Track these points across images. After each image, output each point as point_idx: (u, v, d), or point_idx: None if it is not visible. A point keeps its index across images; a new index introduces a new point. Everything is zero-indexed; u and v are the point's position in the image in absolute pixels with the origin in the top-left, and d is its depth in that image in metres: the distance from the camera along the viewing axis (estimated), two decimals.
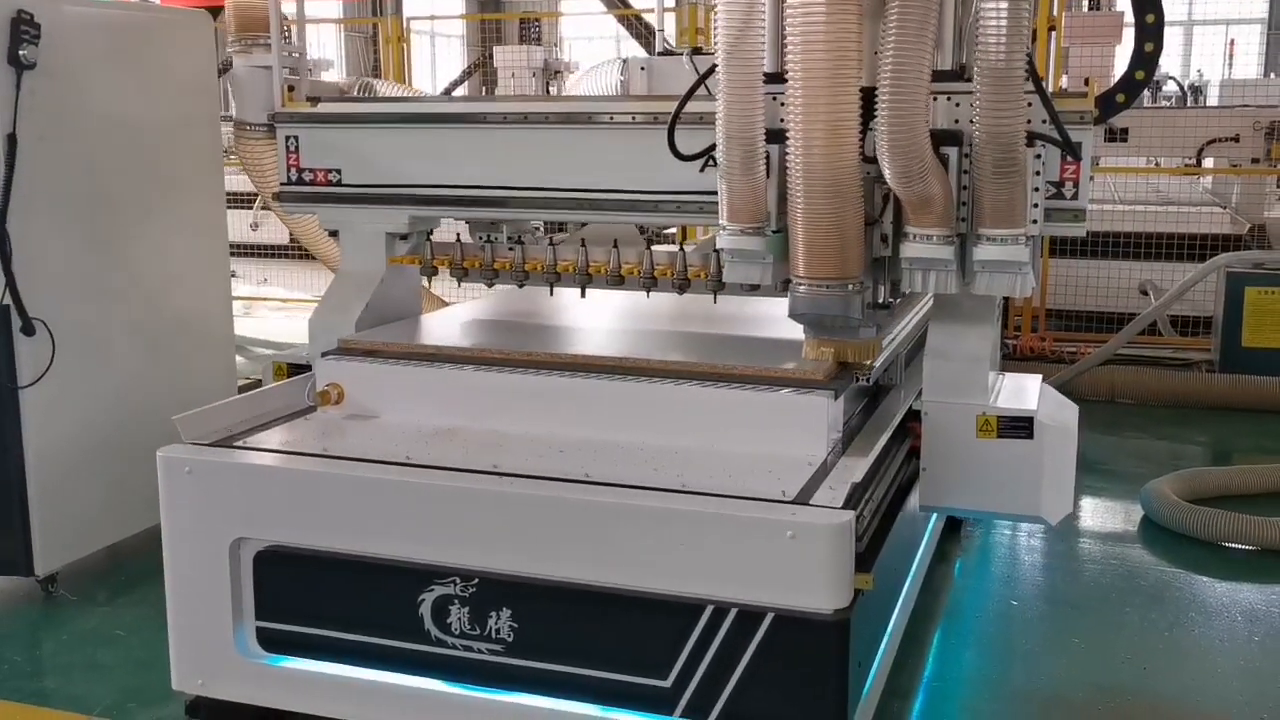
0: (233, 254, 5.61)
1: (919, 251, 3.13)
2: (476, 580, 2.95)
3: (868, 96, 2.96)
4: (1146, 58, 3.56)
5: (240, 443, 3.33)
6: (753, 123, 3.08)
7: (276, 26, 4.16)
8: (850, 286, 3.09)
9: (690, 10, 9.49)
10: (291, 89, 4.17)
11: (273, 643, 3.20)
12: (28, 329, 4.14)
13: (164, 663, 3.30)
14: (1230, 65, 21.55)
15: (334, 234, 4.59)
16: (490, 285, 4.15)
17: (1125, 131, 8.73)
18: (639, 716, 2.88)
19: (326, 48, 19.33)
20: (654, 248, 3.95)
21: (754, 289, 3.41)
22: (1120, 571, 4.72)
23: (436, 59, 24.08)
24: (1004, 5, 2.85)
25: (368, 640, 3.09)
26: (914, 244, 3.13)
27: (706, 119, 3.22)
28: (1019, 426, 3.36)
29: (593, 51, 21.75)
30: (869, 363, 3.37)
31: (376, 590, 3.07)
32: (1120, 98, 3.60)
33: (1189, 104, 14.74)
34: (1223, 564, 4.78)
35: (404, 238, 4.10)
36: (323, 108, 4.13)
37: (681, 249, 3.86)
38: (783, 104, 3.03)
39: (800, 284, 3.11)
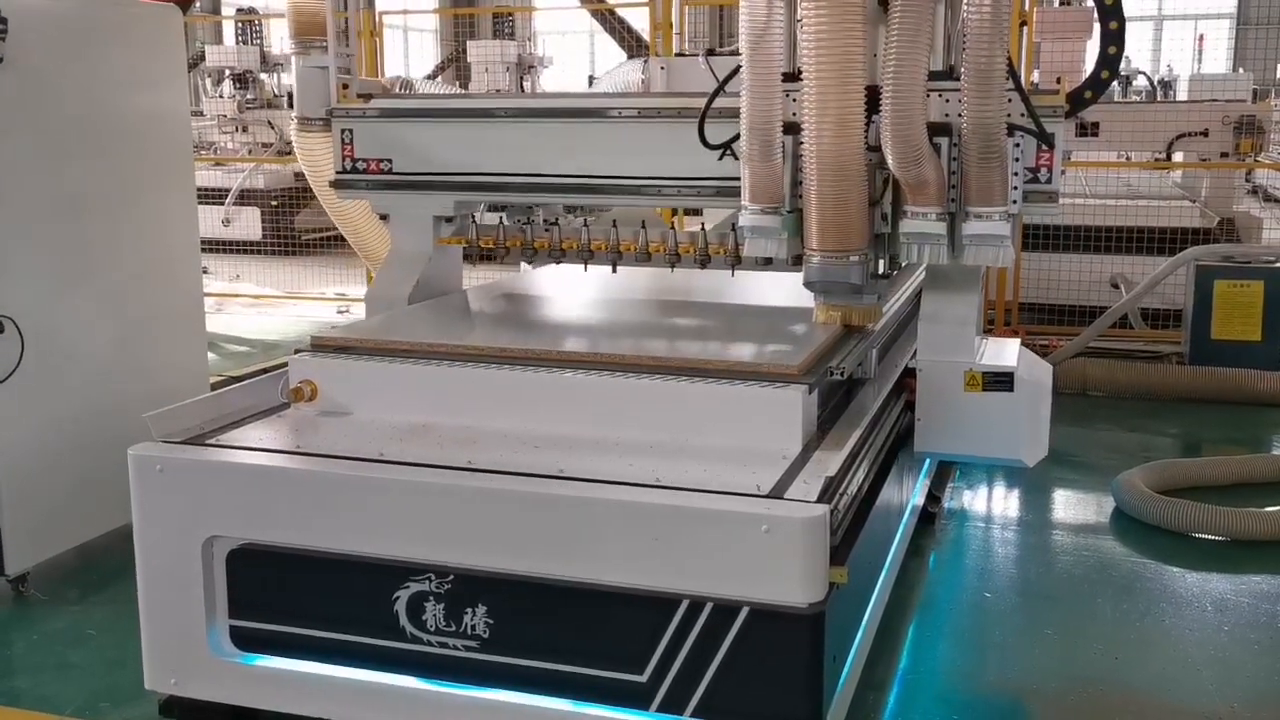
0: (204, 250, 5.59)
1: (916, 227, 3.60)
2: (451, 577, 2.94)
3: (872, 93, 3.43)
4: (1111, 59, 4.08)
5: (212, 440, 3.30)
6: (771, 117, 3.55)
7: (333, 30, 4.60)
8: (855, 258, 3.54)
9: (665, 6, 9.49)
10: (345, 86, 4.57)
11: (246, 641, 3.18)
12: None
13: (136, 662, 3.28)
14: (1199, 60, 21.74)
15: (384, 217, 5.07)
16: (530, 263, 4.61)
17: (1096, 126, 8.80)
18: (615, 711, 2.88)
19: None
20: (676, 228, 4.44)
21: (768, 263, 3.82)
22: (1092, 563, 4.76)
23: (409, 54, 23.97)
24: (987, 15, 3.32)
25: (343, 638, 3.07)
26: (911, 220, 3.60)
27: (725, 113, 3.73)
28: (1001, 381, 3.84)
29: (566, 46, 21.71)
30: (871, 325, 3.88)
31: (351, 587, 3.05)
32: (1088, 94, 4.09)
33: (1159, 99, 14.86)
34: (1193, 554, 4.83)
35: (449, 220, 4.50)
36: (375, 103, 4.51)
37: (702, 229, 4.28)
38: (794, 100, 3.54)
39: (813, 256, 3.56)
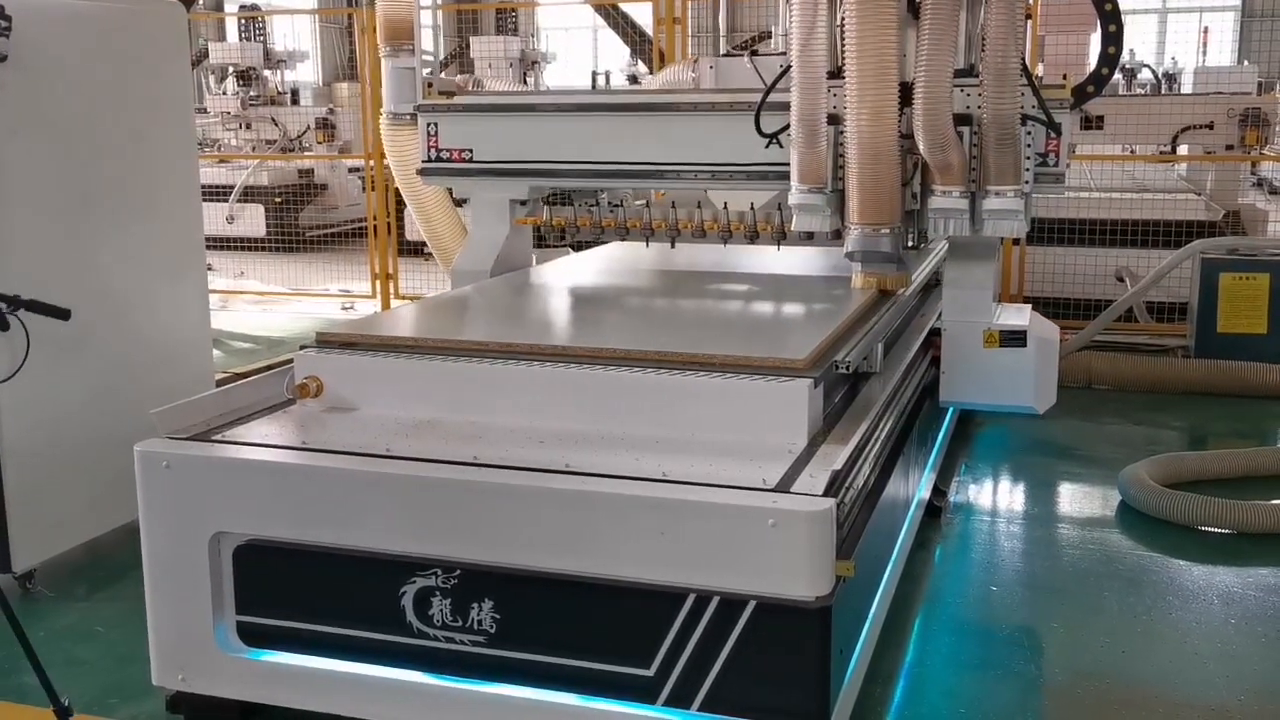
0: (208, 247, 5.60)
1: (942, 204, 4.14)
2: (458, 571, 2.95)
3: (904, 89, 3.98)
4: (1111, 58, 4.59)
5: (219, 436, 3.30)
6: (817, 109, 4.10)
7: (419, 35, 5.15)
8: (888, 231, 4.10)
9: (668, 1, 9.47)
10: (430, 85, 5.15)
11: (253, 637, 3.18)
12: (1, 324, 4.10)
13: (144, 658, 3.29)
14: (1204, 53, 21.67)
15: (459, 203, 5.76)
16: (598, 242, 5.41)
17: (1101, 119, 8.78)
18: (622, 706, 2.88)
19: (301, 39, 19.19)
20: (729, 207, 4.90)
21: (810, 237, 4.46)
22: (1098, 556, 4.75)
23: None
24: (1003, 20, 3.86)
25: (349, 633, 3.08)
26: (938, 198, 4.15)
27: (773, 106, 4.28)
28: (1015, 338, 4.41)
29: (569, 42, 21.68)
30: (904, 290, 4.42)
31: (358, 583, 3.06)
32: (1090, 89, 4.58)
33: (1164, 91, 14.82)
34: (1199, 548, 4.82)
35: (523, 203, 5.06)
36: (459, 100, 5.09)
37: (751, 208, 4.83)
38: (836, 95, 4.12)
39: (853, 229, 4.13)
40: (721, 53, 7.12)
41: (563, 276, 5.11)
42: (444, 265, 6.55)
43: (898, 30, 3.83)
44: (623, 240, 5.16)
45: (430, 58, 5.13)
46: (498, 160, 4.95)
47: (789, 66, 4.15)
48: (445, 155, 4.98)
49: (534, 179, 4.96)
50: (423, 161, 5.05)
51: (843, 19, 3.92)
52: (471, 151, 4.95)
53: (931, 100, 3.91)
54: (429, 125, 5.00)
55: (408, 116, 5.24)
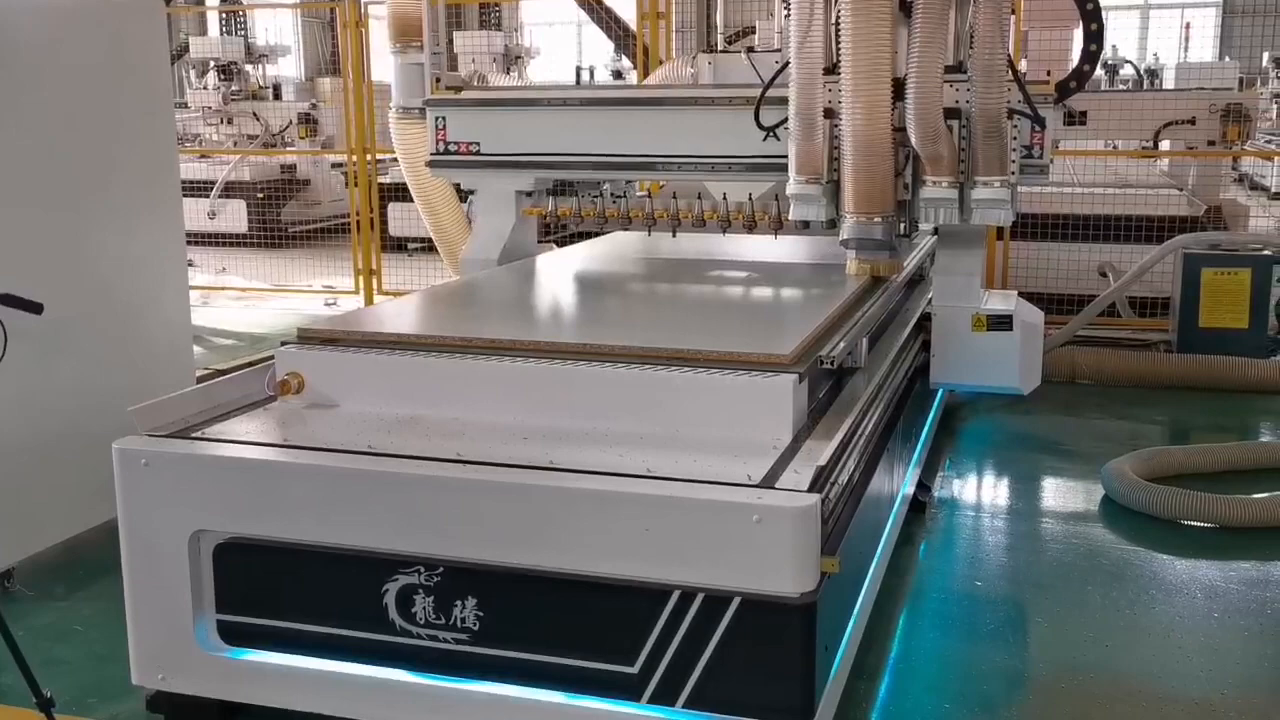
0: (190, 243, 5.57)
1: (933, 194, 4.36)
2: (441, 569, 2.93)
3: (898, 84, 4.18)
4: (1092, 55, 4.77)
5: (198, 434, 3.27)
6: (814, 104, 4.32)
7: (429, 32, 5.29)
8: (881, 219, 4.29)
9: None
10: (438, 80, 5.30)
11: (234, 635, 3.16)
12: None
13: (124, 657, 3.26)
14: (1186, 49, 21.76)
15: (463, 198, 5.95)
16: (601, 231, 5.67)
17: (1084, 115, 8.80)
18: (606, 703, 2.87)
19: (283, 33, 19.08)
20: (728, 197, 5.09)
21: (806, 226, 4.58)
22: (1082, 551, 4.76)
23: None
24: (991, 20, 4.08)
25: (331, 631, 3.06)
26: (929, 188, 4.37)
27: (771, 101, 4.53)
28: (1002, 322, 4.63)
29: (553, 37, 21.64)
30: (895, 277, 4.65)
31: (339, 581, 3.03)
32: (1072, 85, 4.76)
33: (1146, 87, 14.86)
34: (1182, 542, 4.83)
35: (529, 194, 5.25)
36: (466, 94, 5.30)
37: (749, 198, 4.98)
38: (831, 90, 4.30)
39: (848, 217, 4.33)
40: (719, 48, 7.31)
41: (552, 269, 5.10)
42: (447, 259, 6.55)
43: (891, 29, 4.02)
44: (625, 230, 5.36)
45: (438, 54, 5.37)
46: (504, 153, 5.13)
47: (786, 63, 4.35)
48: (453, 148, 5.16)
49: (539, 171, 5.15)
50: (431, 154, 5.21)
51: (838, 18, 4.12)
52: (479, 144, 5.12)
53: (923, 95, 4.10)
54: (437, 119, 5.17)
55: (416, 111, 5.36)
